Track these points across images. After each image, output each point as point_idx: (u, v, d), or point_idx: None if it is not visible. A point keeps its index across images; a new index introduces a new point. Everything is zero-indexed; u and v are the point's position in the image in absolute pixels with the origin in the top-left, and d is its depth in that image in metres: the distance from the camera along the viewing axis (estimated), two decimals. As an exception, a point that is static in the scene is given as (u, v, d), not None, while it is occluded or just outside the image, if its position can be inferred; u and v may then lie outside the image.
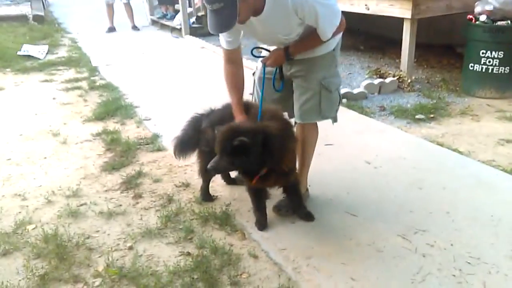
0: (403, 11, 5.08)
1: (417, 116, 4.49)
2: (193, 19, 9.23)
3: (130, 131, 4.38)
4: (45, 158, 3.89)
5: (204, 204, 3.03)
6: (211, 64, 7.01)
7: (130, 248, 2.63)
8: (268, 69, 2.77)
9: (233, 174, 3.22)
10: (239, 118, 2.61)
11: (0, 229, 2.85)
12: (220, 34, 2.59)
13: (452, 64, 6.13)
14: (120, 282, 2.34)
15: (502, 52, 4.75)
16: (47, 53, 7.81)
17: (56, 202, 3.17)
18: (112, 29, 9.91)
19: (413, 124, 4.36)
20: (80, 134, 4.35)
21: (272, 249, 2.57)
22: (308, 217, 2.82)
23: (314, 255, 2.50)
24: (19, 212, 3.05)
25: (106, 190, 3.30)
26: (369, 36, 7.38)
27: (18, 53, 7.60)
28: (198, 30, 8.95)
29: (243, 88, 2.72)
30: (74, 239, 2.71)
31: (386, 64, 6.17)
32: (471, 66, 4.99)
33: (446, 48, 6.62)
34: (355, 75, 5.70)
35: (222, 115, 2.75)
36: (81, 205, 3.12)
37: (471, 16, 4.94)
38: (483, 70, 4.89)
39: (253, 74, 2.95)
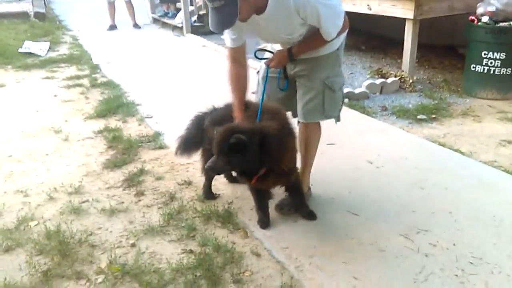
0: (405, 12, 5.08)
1: (418, 117, 4.49)
2: (194, 18, 9.23)
3: (131, 129, 4.38)
4: (47, 155, 3.89)
5: (206, 202, 3.03)
6: (212, 62, 7.01)
7: (133, 245, 2.63)
8: (271, 69, 2.77)
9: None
10: (238, 118, 2.61)
11: (2, 225, 2.86)
12: (224, 32, 2.60)
13: (454, 65, 6.14)
14: (123, 279, 2.34)
15: (504, 53, 4.75)
16: (48, 50, 7.81)
17: (58, 199, 3.17)
18: (113, 27, 9.90)
19: (415, 124, 4.36)
20: (81, 131, 4.36)
21: (275, 247, 2.57)
22: (310, 216, 2.83)
23: (317, 253, 2.50)
24: (21, 209, 3.05)
25: (108, 188, 3.30)
26: (371, 36, 7.39)
27: (19, 50, 7.60)
28: (200, 29, 8.95)
29: (246, 89, 2.71)
30: (76, 235, 2.72)
31: (388, 64, 6.18)
32: (473, 67, 4.99)
33: (447, 48, 6.62)
34: (356, 75, 5.70)
35: (224, 114, 2.75)
36: (83, 202, 3.12)
37: (473, 17, 4.94)
38: (485, 71, 4.90)
39: (257, 72, 2.95)
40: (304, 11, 2.34)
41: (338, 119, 2.88)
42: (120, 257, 2.52)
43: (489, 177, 3.28)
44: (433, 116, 4.53)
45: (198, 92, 5.45)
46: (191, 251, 2.55)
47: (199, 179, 3.24)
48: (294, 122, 2.82)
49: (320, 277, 2.32)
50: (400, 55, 5.87)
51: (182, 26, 9.23)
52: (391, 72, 5.55)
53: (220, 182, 3.25)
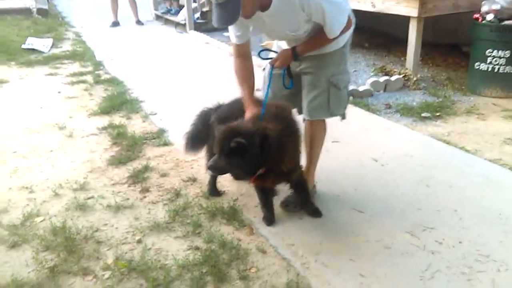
0: (410, 10, 5.07)
1: (423, 114, 4.48)
2: (197, 15, 9.20)
3: (136, 126, 4.38)
4: (51, 151, 3.90)
5: (211, 199, 3.04)
6: (215, 59, 7.01)
7: (139, 241, 2.63)
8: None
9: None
10: (251, 109, 2.59)
11: (8, 221, 2.86)
12: (229, 29, 2.60)
13: (458, 63, 6.12)
14: (129, 275, 2.35)
15: (509, 52, 4.73)
16: (51, 47, 7.80)
17: (64, 195, 3.18)
18: (116, 24, 9.89)
19: (419, 122, 4.36)
20: (86, 128, 4.36)
21: (280, 244, 2.57)
22: (315, 213, 2.83)
23: (322, 251, 2.50)
24: (27, 205, 3.05)
25: (113, 184, 3.31)
26: (374, 33, 7.37)
27: (23, 46, 7.59)
28: (203, 26, 8.94)
29: (253, 81, 2.72)
30: (82, 232, 2.72)
31: (391, 62, 6.15)
32: (477, 65, 4.98)
33: (451, 47, 6.61)
34: (360, 73, 5.69)
35: (230, 110, 2.75)
36: (89, 198, 3.12)
37: (477, 15, 4.92)
38: (489, 69, 4.89)
39: (263, 69, 2.95)
40: (309, 8, 2.33)
41: (343, 116, 2.88)
42: (126, 253, 2.53)
43: (494, 175, 3.28)
44: (437, 114, 4.52)
45: (202, 89, 5.45)
46: (197, 248, 2.55)
47: (204, 176, 3.25)
48: (300, 120, 2.82)
49: (326, 274, 2.32)
50: (403, 53, 5.85)
51: (185, 23, 9.21)
52: (395, 70, 5.55)
53: (225, 179, 3.24)
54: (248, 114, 2.58)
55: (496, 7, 4.72)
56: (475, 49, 5.02)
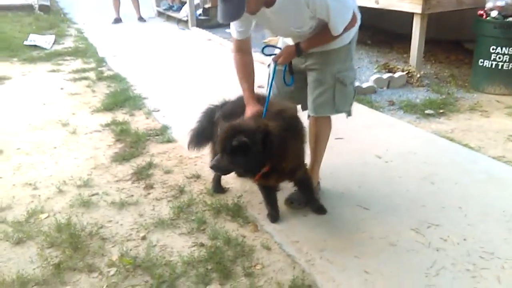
0: (414, 6, 5.05)
1: (426, 111, 4.48)
2: (199, 11, 9.18)
3: (139, 122, 4.38)
4: (55, 148, 3.90)
5: (215, 196, 3.04)
6: (218, 56, 7.00)
7: (143, 238, 2.64)
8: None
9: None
10: (251, 107, 2.60)
11: (12, 217, 2.87)
12: (231, 24, 2.59)
13: (461, 59, 6.11)
14: (135, 272, 2.35)
15: (513, 48, 4.73)
16: (53, 43, 7.79)
17: (68, 191, 3.18)
18: (118, 20, 9.87)
19: (423, 119, 4.35)
20: (89, 125, 4.36)
21: (285, 241, 2.57)
22: (320, 210, 2.83)
23: (327, 247, 2.51)
24: (31, 201, 3.06)
25: (117, 181, 3.31)
26: (377, 30, 7.35)
27: (25, 42, 7.58)
28: (205, 22, 8.92)
29: (253, 76, 2.72)
30: (87, 228, 2.72)
31: (394, 59, 6.15)
32: (481, 62, 4.97)
33: (454, 43, 6.60)
34: (363, 69, 5.68)
35: (235, 107, 2.74)
36: (93, 195, 3.12)
37: (481, 12, 4.91)
38: (493, 66, 4.87)
39: (268, 66, 2.94)
40: (314, 4, 2.33)
41: (349, 113, 2.87)
42: (131, 250, 2.53)
43: (498, 172, 3.28)
44: (441, 111, 4.52)
45: (205, 86, 5.45)
46: (202, 244, 2.55)
47: (208, 173, 3.25)
48: (304, 118, 2.81)
49: (331, 271, 2.32)
50: (406, 49, 5.84)
51: (187, 20, 9.19)
52: (398, 66, 5.54)
53: (228, 176, 3.22)
54: (248, 112, 2.58)
55: (500, 3, 4.70)
56: (479, 46, 5.01)
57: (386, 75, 5.20)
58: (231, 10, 2.24)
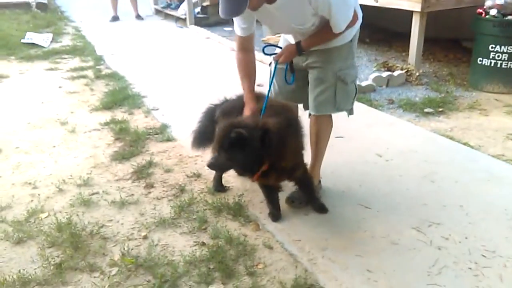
0: (413, 4, 5.05)
1: (425, 110, 4.48)
2: (198, 9, 9.16)
3: (138, 121, 4.37)
4: (54, 146, 3.88)
5: (216, 195, 3.03)
6: (216, 54, 6.98)
7: (145, 237, 2.63)
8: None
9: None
10: (250, 106, 2.59)
11: (12, 217, 2.85)
12: (235, 20, 2.57)
13: (459, 58, 6.12)
14: (137, 271, 2.34)
15: (512, 47, 4.74)
16: (51, 42, 7.75)
17: (68, 191, 3.17)
18: (115, 18, 9.83)
19: (422, 117, 4.36)
20: (88, 123, 4.34)
21: (287, 240, 2.57)
22: (321, 209, 2.82)
23: (329, 246, 2.50)
24: (31, 201, 3.04)
25: (117, 180, 3.30)
26: (375, 29, 7.35)
27: (22, 40, 7.54)
28: (203, 20, 8.90)
29: (255, 76, 2.71)
30: (88, 228, 2.71)
31: (393, 57, 6.16)
32: (480, 61, 4.97)
33: (452, 42, 6.60)
34: (362, 68, 5.68)
35: (235, 105, 2.73)
36: (93, 194, 3.11)
37: (481, 10, 4.91)
38: (492, 64, 4.88)
39: (270, 64, 2.93)
40: (316, 1, 2.32)
41: (350, 112, 2.87)
42: (132, 249, 2.52)
43: (498, 170, 3.28)
44: (440, 109, 4.52)
45: (204, 84, 5.43)
46: (203, 244, 2.55)
47: (208, 172, 3.23)
48: (305, 117, 2.81)
49: (333, 269, 2.32)
50: (405, 48, 5.85)
51: (185, 18, 9.17)
52: (397, 65, 5.54)
53: (229, 175, 3.22)
54: (247, 110, 2.58)
55: (500, 2, 4.71)
56: (478, 44, 5.01)
57: (385, 74, 5.20)
58: (233, 5, 2.22)
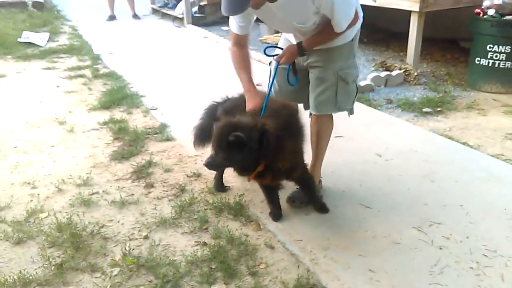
0: (411, 4, 5.06)
1: (424, 110, 4.49)
2: (195, 9, 9.14)
3: (137, 120, 4.35)
4: (53, 146, 3.86)
5: (217, 195, 3.02)
6: (214, 54, 6.97)
7: (146, 237, 2.62)
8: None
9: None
10: (252, 98, 2.53)
11: (12, 217, 2.83)
12: (231, 18, 2.56)
13: (457, 58, 6.15)
14: (138, 272, 2.33)
15: (509, 47, 4.75)
16: (47, 41, 7.72)
17: (67, 190, 3.15)
18: (112, 18, 9.81)
19: (420, 117, 4.37)
20: (86, 123, 4.32)
21: (288, 240, 2.57)
22: (322, 209, 2.82)
23: (331, 246, 2.50)
24: (30, 201, 3.02)
25: (117, 179, 3.28)
26: (373, 29, 7.36)
27: (19, 40, 7.51)
28: (201, 20, 8.89)
29: (251, 67, 2.66)
30: (88, 228, 2.70)
31: (391, 57, 6.17)
32: (478, 60, 4.99)
33: (449, 42, 6.62)
34: (360, 68, 5.63)
35: (237, 104, 2.72)
36: (93, 194, 3.09)
37: (478, 10, 4.93)
38: (490, 64, 4.90)
39: (270, 63, 2.93)
40: (319, 0, 2.31)
41: (351, 111, 2.87)
42: (133, 249, 2.51)
43: (497, 170, 3.29)
44: (438, 109, 4.53)
45: (202, 84, 5.42)
46: (205, 244, 2.54)
47: (208, 172, 3.21)
48: (306, 117, 2.80)
49: (336, 269, 2.32)
50: (402, 48, 5.85)
51: (182, 17, 9.15)
52: (395, 65, 5.55)
53: (229, 175, 3.21)
54: (250, 104, 2.52)
55: (498, 2, 4.72)
56: (476, 44, 5.03)
57: (383, 74, 5.21)
58: (236, 3, 2.21)
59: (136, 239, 2.62)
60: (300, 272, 2.31)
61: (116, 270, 2.34)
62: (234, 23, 2.59)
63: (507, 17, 4.71)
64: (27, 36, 7.62)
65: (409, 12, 5.19)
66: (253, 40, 2.69)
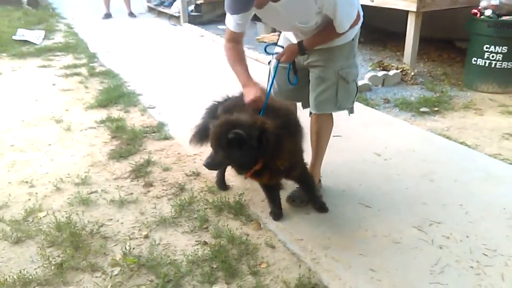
0: (409, 4, 5.07)
1: (421, 109, 4.50)
2: (191, 7, 9.11)
3: (134, 119, 4.33)
4: (50, 144, 3.83)
5: (217, 194, 3.02)
6: (211, 52, 6.95)
7: (146, 236, 2.61)
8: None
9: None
10: (251, 89, 2.50)
11: (10, 216, 2.81)
12: (230, 16, 2.53)
13: (453, 58, 6.16)
14: (139, 271, 2.32)
15: (506, 47, 4.77)
16: (43, 38, 7.67)
17: (65, 189, 3.13)
18: (108, 16, 9.76)
19: (418, 117, 4.38)
20: (83, 121, 4.29)
21: (289, 239, 2.57)
22: (322, 208, 2.82)
23: (332, 245, 2.50)
24: (28, 200, 3.01)
25: (115, 178, 3.27)
26: (370, 28, 7.36)
27: (14, 37, 7.46)
28: (197, 18, 8.86)
29: (246, 62, 2.63)
30: (87, 227, 2.68)
31: (388, 57, 6.18)
32: (474, 61, 5.00)
33: (445, 42, 6.64)
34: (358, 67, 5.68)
35: (237, 103, 2.71)
36: (92, 193, 3.08)
37: (475, 11, 4.94)
38: (486, 64, 4.92)
39: (269, 63, 2.92)
40: (322, 0, 2.31)
41: (351, 110, 2.87)
42: (133, 248, 2.50)
43: (496, 169, 3.31)
44: (436, 109, 4.55)
45: (199, 82, 5.41)
46: (205, 243, 2.53)
47: (207, 170, 3.19)
48: (305, 117, 2.80)
49: (337, 268, 2.32)
50: (399, 47, 5.86)
51: (178, 16, 9.12)
52: (393, 64, 5.56)
53: (229, 174, 3.21)
54: (250, 96, 2.46)
55: (495, 2, 4.74)
56: (473, 45, 5.05)
57: (381, 73, 5.22)
58: (240, 1, 2.20)
59: (136, 238, 2.60)
60: (302, 271, 2.31)
61: (116, 270, 2.33)
62: (232, 21, 2.57)
63: (504, 18, 4.73)
64: (22, 33, 7.57)
65: (406, 12, 5.20)
66: (250, 39, 2.67)
